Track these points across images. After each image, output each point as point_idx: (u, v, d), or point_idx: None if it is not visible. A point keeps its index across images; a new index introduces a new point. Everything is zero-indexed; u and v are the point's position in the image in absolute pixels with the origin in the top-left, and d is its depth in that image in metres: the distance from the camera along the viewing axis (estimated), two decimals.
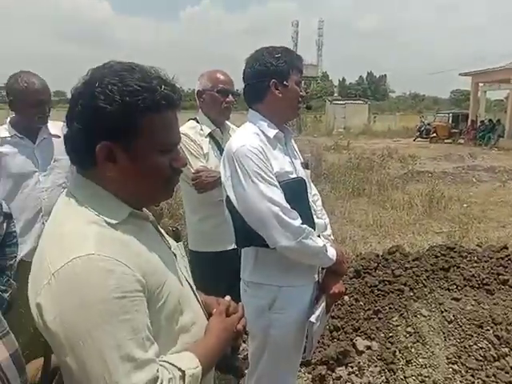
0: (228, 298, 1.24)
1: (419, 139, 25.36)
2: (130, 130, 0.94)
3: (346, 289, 3.26)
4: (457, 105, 51.45)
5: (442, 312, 3.03)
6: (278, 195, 1.68)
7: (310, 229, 1.72)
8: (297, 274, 1.81)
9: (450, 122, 26.45)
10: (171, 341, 1.01)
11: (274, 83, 1.77)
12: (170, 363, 0.95)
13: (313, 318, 1.75)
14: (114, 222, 0.95)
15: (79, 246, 0.88)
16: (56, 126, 2.55)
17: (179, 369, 0.95)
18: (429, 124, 26.39)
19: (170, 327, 1.01)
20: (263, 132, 1.78)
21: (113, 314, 0.86)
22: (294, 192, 1.75)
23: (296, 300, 1.82)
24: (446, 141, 24.34)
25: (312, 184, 2.10)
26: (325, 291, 1.87)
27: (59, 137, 2.51)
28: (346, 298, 3.20)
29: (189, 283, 1.16)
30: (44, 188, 2.43)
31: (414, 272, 3.30)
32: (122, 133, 0.94)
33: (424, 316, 3.00)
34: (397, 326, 2.95)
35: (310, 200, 1.90)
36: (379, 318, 3.01)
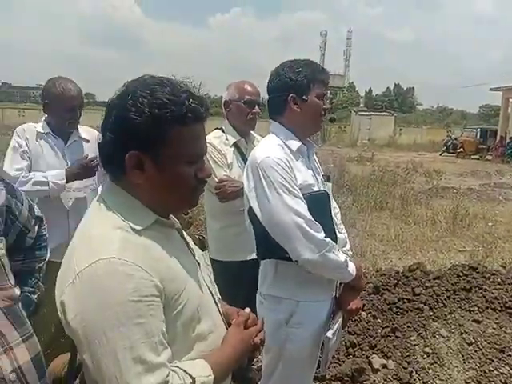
0: (248, 310, 1.25)
1: (445, 154, 24.97)
2: (157, 140, 0.98)
3: (364, 305, 3.22)
4: (485, 120, 50.41)
5: (462, 334, 2.97)
6: (303, 207, 1.68)
7: (333, 242, 1.72)
8: (315, 289, 1.80)
9: (478, 137, 25.97)
10: (187, 347, 1.03)
11: (292, 98, 1.79)
12: (182, 369, 0.97)
13: (329, 334, 1.74)
14: (138, 228, 0.99)
15: (103, 249, 0.93)
16: (87, 132, 2.64)
17: (190, 376, 0.96)
18: (456, 139, 25.96)
19: (186, 334, 1.02)
20: (286, 144, 1.80)
21: (128, 317, 0.89)
22: (318, 205, 1.75)
23: (313, 315, 1.81)
24: (472, 156, 23.88)
25: (333, 199, 2.11)
26: (342, 307, 1.86)
27: (88, 141, 2.62)
28: (364, 314, 3.16)
29: (211, 292, 1.17)
30: (71, 188, 2.50)
31: (434, 291, 3.25)
32: (150, 143, 0.98)
33: (443, 337, 2.95)
34: (414, 345, 2.91)
35: (332, 213, 1.90)
36: (397, 337, 2.96)
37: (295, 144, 1.80)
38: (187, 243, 1.18)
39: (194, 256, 1.17)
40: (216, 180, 2.41)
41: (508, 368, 2.73)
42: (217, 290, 1.27)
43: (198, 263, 1.17)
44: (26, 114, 31.49)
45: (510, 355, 2.81)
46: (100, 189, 2.58)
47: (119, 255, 0.92)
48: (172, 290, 0.98)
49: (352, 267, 1.80)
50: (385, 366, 2.81)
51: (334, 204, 2.07)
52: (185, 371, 0.97)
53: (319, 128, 1.93)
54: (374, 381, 2.73)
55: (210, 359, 1.03)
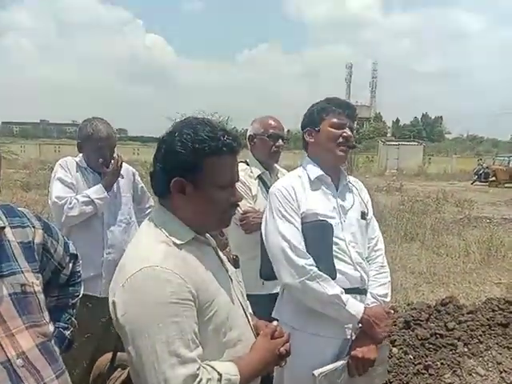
0: (275, 323, 1.39)
1: (477, 183, 24.35)
2: (197, 169, 1.18)
3: (395, 340, 3.12)
4: None
5: (501, 372, 2.82)
6: (292, 233, 1.75)
7: (320, 273, 1.70)
8: (318, 323, 1.76)
9: (511, 165, 25.26)
10: (217, 352, 1.18)
11: (307, 131, 1.95)
12: (211, 366, 1.12)
13: (316, 372, 1.65)
14: (179, 242, 1.18)
15: (149, 258, 1.11)
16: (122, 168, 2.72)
17: (218, 372, 1.11)
18: (487, 167, 25.34)
19: (216, 339, 1.18)
20: (307, 173, 1.91)
21: (166, 316, 1.06)
22: (316, 234, 1.78)
23: (313, 349, 1.75)
24: (506, 185, 23.17)
25: (379, 237, 2.03)
26: (350, 351, 1.77)
27: (123, 177, 2.72)
28: (395, 350, 3.05)
29: (241, 305, 1.32)
30: (107, 222, 2.58)
31: (468, 326, 3.12)
32: (191, 171, 1.18)
33: (480, 375, 2.81)
34: (449, 383, 2.77)
35: (354, 248, 1.85)
36: (430, 374, 2.84)
37: (314, 173, 1.90)
38: (221, 260, 1.35)
39: (227, 271, 1.34)
40: (240, 211, 2.43)
41: None
42: (248, 304, 1.43)
43: (231, 279, 1.33)
44: (61, 149, 32.75)
45: None
46: (133, 221, 2.70)
47: (161, 264, 1.10)
48: (204, 298, 1.14)
49: (356, 308, 1.73)
50: None
51: (378, 244, 2.01)
52: (213, 368, 1.12)
53: (341, 155, 1.90)
54: None
55: (238, 362, 1.18)
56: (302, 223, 1.78)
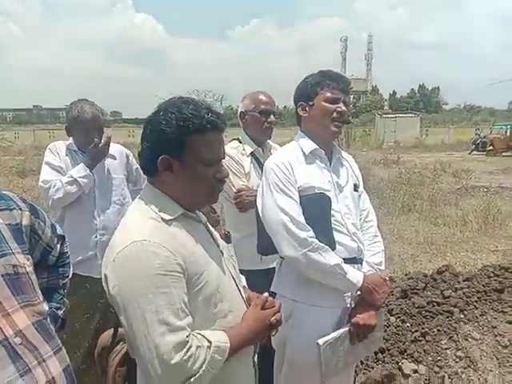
0: (266, 294, 1.42)
1: (475, 153, 24.32)
2: (182, 146, 1.22)
3: (393, 309, 3.17)
4: None
5: (496, 336, 2.88)
6: (291, 206, 1.75)
7: (322, 244, 1.73)
8: (318, 293, 1.79)
9: (508, 134, 25.18)
10: (208, 321, 1.22)
11: (300, 105, 1.93)
12: (202, 335, 1.17)
13: (320, 340, 1.69)
14: (167, 218, 1.22)
15: (138, 233, 1.16)
16: (113, 148, 2.72)
17: (208, 340, 1.16)
18: (485, 137, 25.26)
19: (207, 309, 1.22)
20: (301, 148, 1.90)
21: (155, 286, 1.10)
22: (314, 206, 1.79)
23: (312, 319, 1.78)
24: (503, 154, 23.15)
25: (370, 209, 2.07)
26: (349, 319, 1.81)
27: (116, 158, 2.72)
28: (392, 318, 3.11)
29: (233, 278, 1.37)
30: (99, 204, 2.59)
31: (464, 293, 3.17)
32: (177, 149, 1.22)
33: (475, 339, 2.87)
34: (446, 349, 2.84)
35: (350, 220, 1.88)
36: (427, 341, 2.90)
37: (308, 147, 1.89)
38: (212, 236, 1.39)
39: (219, 246, 1.38)
40: (234, 190, 2.44)
41: None
42: (241, 277, 1.49)
43: (222, 253, 1.37)
44: (55, 134, 32.54)
45: None
46: (128, 202, 2.70)
47: (149, 238, 1.14)
48: (193, 270, 1.18)
49: (356, 277, 1.77)
50: (416, 372, 2.75)
51: (370, 216, 2.05)
52: (203, 336, 1.17)
53: (335, 130, 1.90)
54: None
55: (228, 331, 1.23)
56: (300, 196, 1.79)
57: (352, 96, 70.60)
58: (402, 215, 8.00)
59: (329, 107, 1.86)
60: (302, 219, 1.74)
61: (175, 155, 1.22)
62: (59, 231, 1.41)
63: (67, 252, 1.46)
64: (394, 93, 79.41)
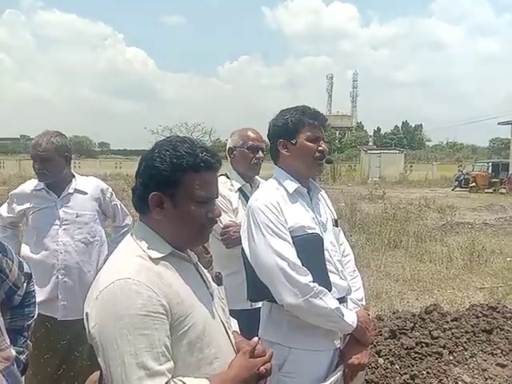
0: (256, 339, 1.35)
1: (458, 189, 24.76)
2: (175, 183, 1.20)
3: (381, 351, 3.10)
4: (496, 153, 50.25)
5: (486, 379, 2.82)
6: (288, 250, 1.67)
7: (321, 288, 1.67)
8: (312, 337, 1.73)
9: (490, 171, 25.79)
10: (192, 368, 1.16)
11: (281, 143, 1.88)
12: (182, 382, 1.10)
13: None
14: (155, 256, 1.19)
15: (122, 271, 1.12)
16: (86, 183, 2.65)
17: None
18: (468, 173, 25.82)
19: (191, 354, 1.16)
20: (284, 187, 1.84)
21: (135, 328, 1.06)
22: (308, 248, 1.73)
23: (309, 365, 1.72)
24: (486, 190, 23.62)
25: (346, 243, 2.06)
26: (343, 360, 1.76)
27: (86, 193, 2.62)
28: (381, 360, 3.04)
29: (222, 322, 1.31)
30: (62, 242, 2.48)
31: (453, 333, 3.12)
32: (169, 185, 1.20)
33: (466, 383, 2.80)
34: None
35: (335, 257, 1.85)
36: None
37: (292, 186, 1.83)
38: (202, 277, 1.34)
39: (208, 288, 1.33)
40: (221, 226, 2.40)
41: None
42: (232, 322, 1.43)
43: (212, 296, 1.32)
44: None
45: None
46: (97, 240, 2.60)
47: (133, 277, 1.10)
48: (178, 312, 1.13)
49: (351, 318, 1.73)
50: None
51: (347, 250, 2.04)
52: (184, 383, 1.10)
53: (316, 170, 1.91)
54: None
55: (212, 379, 1.15)
56: (292, 237, 1.72)
57: (338, 132, 72.26)
58: (388, 251, 8.00)
59: (311, 147, 1.84)
60: (299, 263, 1.67)
61: (167, 192, 1.20)
62: (26, 269, 1.35)
63: (33, 291, 1.40)
64: (379, 129, 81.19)
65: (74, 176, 2.64)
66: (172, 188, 1.20)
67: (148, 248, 1.20)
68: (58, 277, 2.44)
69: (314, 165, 1.86)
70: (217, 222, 1.34)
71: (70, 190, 2.58)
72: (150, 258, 1.18)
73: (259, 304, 2.10)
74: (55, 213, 2.52)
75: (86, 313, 1.14)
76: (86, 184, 2.64)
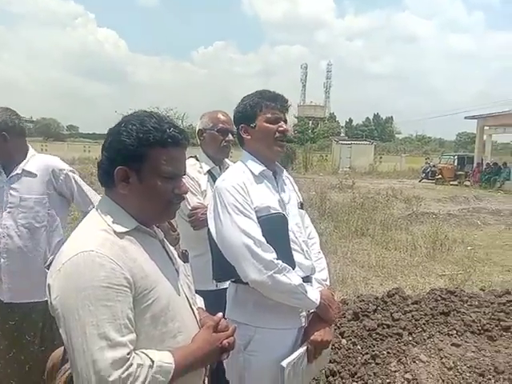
0: (220, 314, 1.38)
1: (425, 181, 25.41)
2: (141, 158, 1.21)
3: (344, 332, 3.19)
4: (463, 147, 51.79)
5: (442, 358, 2.95)
6: (253, 228, 1.71)
7: (285, 265, 1.71)
8: (277, 316, 1.77)
9: (456, 164, 26.57)
10: (155, 341, 1.17)
11: (242, 128, 1.92)
12: (145, 353, 1.12)
13: (284, 363, 1.67)
14: (119, 230, 1.19)
15: (86, 244, 1.13)
16: (37, 163, 2.46)
17: (151, 359, 1.11)
18: (434, 166, 26.51)
19: (155, 328, 1.17)
20: (250, 169, 1.88)
21: (98, 299, 1.06)
22: (273, 227, 1.77)
23: (273, 343, 1.76)
24: (451, 183, 24.36)
25: (311, 226, 2.11)
26: (307, 337, 1.80)
27: (34, 175, 2.43)
28: (344, 341, 3.13)
29: (187, 298, 1.33)
30: (5, 225, 2.37)
31: (413, 316, 3.24)
32: (135, 160, 1.20)
33: (423, 362, 2.92)
34: (395, 371, 2.87)
35: (300, 238, 1.89)
36: (377, 363, 2.93)
37: (257, 168, 1.87)
38: (168, 253, 1.35)
39: (174, 265, 1.35)
40: (189, 207, 2.40)
41: None
42: (197, 298, 1.44)
43: (177, 272, 1.34)
44: None
45: (489, 379, 2.78)
46: (45, 225, 2.44)
47: (97, 249, 1.11)
48: (142, 286, 1.15)
49: (315, 295, 1.78)
50: None
51: (313, 233, 2.10)
52: (146, 355, 1.11)
53: (278, 150, 1.92)
54: None
55: (174, 352, 1.17)
56: (258, 217, 1.76)
57: (311, 122, 72.63)
58: (355, 239, 8.20)
59: (270, 128, 1.87)
60: (264, 240, 1.71)
61: (133, 167, 1.21)
62: None
63: None
64: (351, 120, 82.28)
65: (26, 155, 2.47)
66: (138, 163, 1.20)
67: (113, 222, 1.20)
68: (0, 260, 2.36)
69: (275, 145, 1.89)
70: (184, 199, 1.35)
71: (18, 171, 2.41)
72: (115, 232, 1.18)
73: (225, 285, 2.13)
74: (2, 194, 2.39)
75: (48, 284, 1.14)
76: (37, 165, 2.45)
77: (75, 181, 2.55)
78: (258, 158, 1.90)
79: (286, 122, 1.93)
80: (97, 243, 1.13)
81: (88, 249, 1.11)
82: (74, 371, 1.10)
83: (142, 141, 1.19)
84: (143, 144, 1.20)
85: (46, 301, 1.18)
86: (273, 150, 1.90)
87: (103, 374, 1.03)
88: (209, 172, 2.59)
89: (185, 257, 1.51)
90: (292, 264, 1.77)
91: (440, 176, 25.00)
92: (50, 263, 1.22)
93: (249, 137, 1.91)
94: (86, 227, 1.22)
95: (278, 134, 1.87)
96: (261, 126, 1.87)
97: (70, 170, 2.56)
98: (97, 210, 1.26)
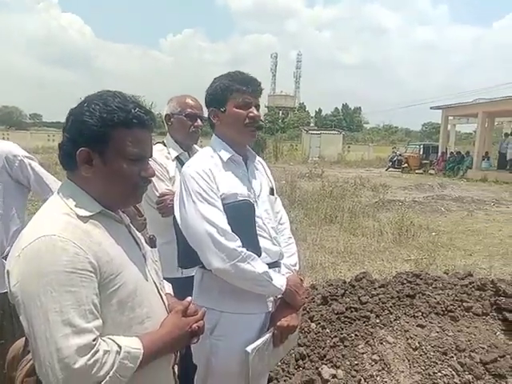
0: (189, 298, 1.37)
1: (391, 169, 25.96)
2: (104, 139, 1.16)
3: (313, 316, 3.24)
4: (428, 137, 53.11)
5: (408, 339, 3.03)
6: (217, 216, 1.69)
7: (250, 253, 1.70)
8: (243, 301, 1.77)
9: (421, 153, 27.24)
10: (123, 327, 1.14)
11: (212, 112, 1.87)
12: (112, 340, 1.09)
13: (249, 348, 1.67)
14: (83, 215, 1.15)
15: (47, 228, 1.08)
16: None
17: (118, 344, 1.08)
18: (401, 155, 27.10)
19: (121, 313, 1.15)
20: (218, 155, 1.83)
21: (61, 285, 1.02)
22: (238, 214, 1.75)
23: (240, 327, 1.76)
24: (417, 171, 24.99)
25: (283, 211, 2.11)
26: (273, 323, 1.81)
27: None
28: (313, 325, 3.17)
29: (155, 284, 1.31)
30: None
31: (380, 299, 3.31)
32: (98, 141, 1.16)
33: (389, 343, 3.00)
34: (362, 353, 2.94)
35: (269, 224, 1.88)
36: (345, 346, 2.98)
37: (226, 154, 1.83)
38: (135, 238, 1.32)
39: (141, 250, 1.32)
40: (157, 194, 2.36)
41: (451, 369, 2.81)
42: (164, 284, 1.42)
43: (144, 257, 1.31)
44: None
45: (452, 357, 2.89)
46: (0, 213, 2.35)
47: (59, 233, 1.07)
48: (107, 271, 1.11)
49: (280, 281, 1.78)
50: (334, 376, 2.81)
51: (284, 219, 2.09)
52: (113, 341, 1.09)
53: (248, 137, 1.88)
54: None
55: (142, 338, 1.15)
56: (224, 204, 1.74)
57: (281, 112, 72.79)
58: (324, 226, 8.31)
59: (240, 113, 1.80)
60: (228, 229, 1.69)
61: (96, 148, 1.16)
62: None
63: None
64: (320, 110, 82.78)
65: None
66: (101, 144, 1.16)
67: (75, 206, 1.16)
68: None
69: (245, 132, 1.84)
70: (150, 182, 1.32)
71: None
72: (78, 215, 1.14)
73: (192, 273, 2.12)
74: None
75: (7, 271, 1.10)
76: None
77: (31, 167, 2.45)
78: (228, 143, 1.85)
79: (257, 107, 1.87)
80: (59, 227, 1.09)
81: (49, 233, 1.07)
82: (37, 360, 1.06)
83: (106, 121, 1.15)
84: (107, 124, 1.15)
85: (5, 293, 1.13)
86: (243, 135, 1.86)
87: (68, 361, 1.00)
88: (177, 158, 2.54)
89: (152, 242, 1.49)
90: (258, 251, 1.76)
91: (406, 165, 25.59)
92: (8, 254, 1.17)
93: (218, 122, 1.86)
94: (47, 211, 1.17)
95: (247, 120, 1.82)
96: (230, 111, 1.81)
97: (26, 157, 2.45)
98: (58, 193, 1.21)
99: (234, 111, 1.81)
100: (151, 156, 1.28)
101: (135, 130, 1.19)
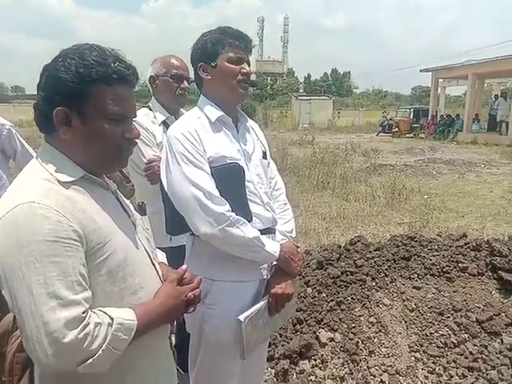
0: (184, 267, 1.31)
1: (382, 134, 25.85)
2: (82, 97, 1.06)
3: (309, 281, 3.22)
4: (418, 100, 52.83)
5: (404, 301, 3.03)
6: (203, 179, 1.60)
7: (239, 217, 1.63)
8: (235, 268, 1.70)
9: (412, 116, 27.10)
10: (114, 298, 1.08)
11: (201, 66, 1.74)
12: (103, 311, 1.03)
13: (241, 317, 1.62)
14: (64, 180, 1.06)
15: (25, 195, 1.00)
16: None
17: (109, 316, 1.02)
18: (391, 119, 26.92)
19: (112, 284, 1.08)
20: (206, 115, 1.72)
21: (44, 255, 0.95)
22: (227, 178, 1.66)
23: (233, 296, 1.70)
24: (407, 135, 24.90)
25: (278, 177, 2.02)
26: (267, 290, 1.76)
27: None
28: (309, 290, 3.15)
29: (147, 252, 1.24)
30: None
31: (375, 262, 3.29)
32: (76, 99, 1.06)
33: (386, 305, 2.99)
34: (359, 316, 2.93)
35: (261, 189, 1.79)
36: (342, 309, 2.97)
37: (214, 114, 1.72)
38: (123, 205, 1.25)
39: (130, 217, 1.24)
40: (145, 160, 2.25)
41: (447, 329, 2.82)
42: (157, 252, 1.35)
43: (134, 224, 1.24)
44: None
45: (448, 317, 2.90)
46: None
47: (39, 200, 0.99)
48: (94, 239, 1.04)
49: (273, 247, 1.72)
50: (332, 340, 2.81)
51: (279, 184, 2.00)
52: (105, 312, 1.02)
53: (240, 94, 1.76)
54: (322, 355, 2.73)
55: (136, 308, 1.09)
56: (211, 168, 1.64)
57: (269, 78, 71.68)
58: (316, 192, 8.28)
59: (233, 68, 1.70)
60: (216, 192, 1.61)
61: (74, 107, 1.06)
62: None
63: None
64: (309, 76, 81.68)
65: None
66: (79, 102, 1.06)
67: (56, 171, 1.07)
68: None
69: (237, 89, 1.73)
70: (136, 144, 1.22)
71: None
72: (59, 181, 1.06)
73: (184, 242, 2.04)
74: None
75: None
76: None
77: (17, 137, 2.43)
78: (217, 102, 1.74)
79: (249, 63, 1.76)
80: (39, 194, 1.00)
81: (28, 200, 0.98)
82: (24, 335, 0.99)
83: (83, 77, 1.05)
84: (85, 80, 1.05)
85: None
86: (234, 92, 1.74)
87: (56, 335, 0.94)
88: (164, 122, 2.42)
89: (142, 209, 1.42)
90: (248, 216, 1.68)
91: (396, 129, 25.46)
92: None
93: (208, 77, 1.73)
94: (26, 178, 1.08)
95: (240, 77, 1.71)
96: (222, 66, 1.69)
97: (12, 126, 2.44)
98: (37, 158, 1.11)
99: (226, 66, 1.70)
100: (135, 116, 1.19)
101: (116, 87, 1.09)
